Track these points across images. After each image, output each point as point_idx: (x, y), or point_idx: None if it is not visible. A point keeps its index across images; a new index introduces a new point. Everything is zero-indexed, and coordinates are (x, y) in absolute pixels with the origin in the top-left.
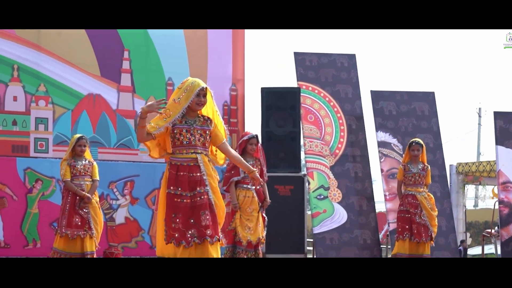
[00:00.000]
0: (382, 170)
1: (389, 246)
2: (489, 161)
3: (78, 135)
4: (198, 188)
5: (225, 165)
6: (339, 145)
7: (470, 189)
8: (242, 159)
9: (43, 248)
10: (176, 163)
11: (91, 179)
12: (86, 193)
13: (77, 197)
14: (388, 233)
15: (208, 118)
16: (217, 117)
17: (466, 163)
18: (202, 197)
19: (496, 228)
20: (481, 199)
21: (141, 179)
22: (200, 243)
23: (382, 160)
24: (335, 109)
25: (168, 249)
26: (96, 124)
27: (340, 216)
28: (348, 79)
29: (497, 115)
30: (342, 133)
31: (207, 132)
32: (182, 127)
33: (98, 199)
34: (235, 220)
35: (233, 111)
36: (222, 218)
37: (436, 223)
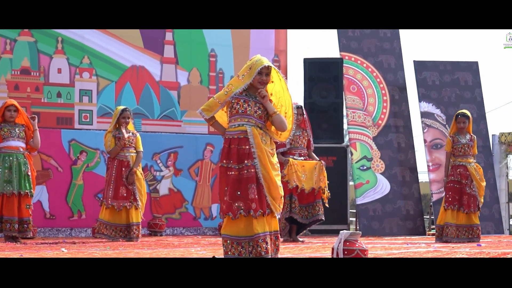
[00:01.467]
0: (425, 141)
1: (432, 217)
2: None
3: (121, 107)
4: (245, 161)
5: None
6: (382, 116)
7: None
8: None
9: (88, 219)
10: (229, 137)
11: (135, 151)
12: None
13: (123, 169)
14: (431, 203)
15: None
16: (285, 96)
17: (509, 133)
18: (249, 170)
19: None
20: None
21: (185, 150)
22: (246, 216)
23: (425, 130)
24: (378, 80)
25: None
26: (140, 95)
27: (383, 187)
28: (391, 49)
29: None
30: (385, 104)
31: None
32: (240, 98)
33: (142, 171)
34: (285, 168)
35: None
36: (274, 191)
37: (483, 191)
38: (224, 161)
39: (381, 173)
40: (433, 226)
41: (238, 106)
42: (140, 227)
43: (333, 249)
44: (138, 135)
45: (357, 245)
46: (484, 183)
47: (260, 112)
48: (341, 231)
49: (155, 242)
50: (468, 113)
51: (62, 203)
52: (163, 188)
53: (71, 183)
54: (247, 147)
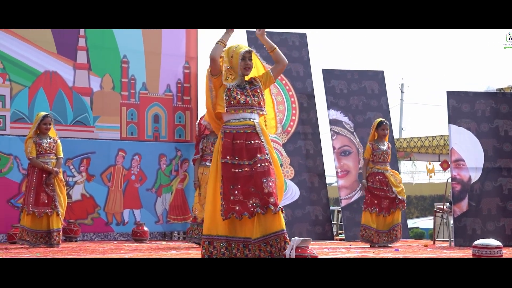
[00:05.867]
0: (334, 148)
1: (340, 222)
2: (420, 137)
3: (43, 113)
4: (258, 155)
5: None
6: (291, 123)
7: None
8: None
9: (1, 225)
10: (232, 131)
11: (55, 157)
12: (54, 168)
13: (44, 175)
14: (340, 209)
15: (253, 78)
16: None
17: (397, 139)
18: (264, 164)
19: (448, 204)
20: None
21: (97, 156)
22: (264, 213)
23: (334, 137)
24: (287, 87)
25: (222, 225)
26: (53, 101)
27: (293, 192)
28: (299, 58)
29: (450, 94)
30: (294, 111)
31: (258, 91)
32: (236, 89)
33: (62, 177)
34: (194, 198)
35: (186, 89)
36: (281, 190)
37: (404, 193)
38: (228, 157)
39: (290, 179)
40: (341, 231)
41: (239, 97)
42: (60, 233)
43: (285, 255)
44: (59, 141)
45: (308, 251)
46: (402, 185)
47: (257, 99)
48: (292, 238)
49: (79, 248)
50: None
51: None
52: (76, 193)
53: None
54: (256, 141)
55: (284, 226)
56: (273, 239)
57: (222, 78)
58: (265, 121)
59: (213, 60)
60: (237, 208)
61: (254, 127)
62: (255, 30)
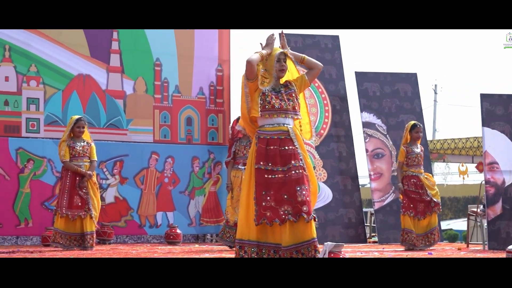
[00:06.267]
0: (367, 150)
1: (373, 224)
2: (453, 139)
3: (76, 117)
4: (292, 162)
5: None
6: (324, 126)
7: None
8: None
9: (35, 227)
10: (266, 137)
11: (89, 160)
12: (87, 171)
13: (77, 178)
14: (373, 212)
15: (288, 82)
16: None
17: (431, 141)
18: (298, 171)
19: (482, 207)
20: (442, 175)
21: (130, 158)
22: (296, 221)
23: (366, 140)
24: (320, 90)
25: (254, 231)
26: (86, 104)
27: (325, 195)
28: (332, 60)
29: (484, 97)
30: (326, 114)
31: (293, 95)
32: (271, 93)
33: (96, 180)
34: (226, 201)
35: (219, 92)
36: (315, 195)
37: (439, 196)
38: (262, 163)
39: (323, 182)
40: (374, 234)
41: (274, 101)
42: (94, 236)
43: None
44: (92, 144)
45: (341, 256)
46: (436, 187)
47: (292, 103)
48: (325, 243)
49: (113, 251)
50: None
51: (9, 211)
52: (109, 196)
53: (18, 191)
54: (291, 147)
55: (315, 235)
56: (305, 247)
57: (258, 82)
58: (300, 126)
59: (250, 63)
60: (268, 214)
61: (288, 133)
62: (287, 33)
